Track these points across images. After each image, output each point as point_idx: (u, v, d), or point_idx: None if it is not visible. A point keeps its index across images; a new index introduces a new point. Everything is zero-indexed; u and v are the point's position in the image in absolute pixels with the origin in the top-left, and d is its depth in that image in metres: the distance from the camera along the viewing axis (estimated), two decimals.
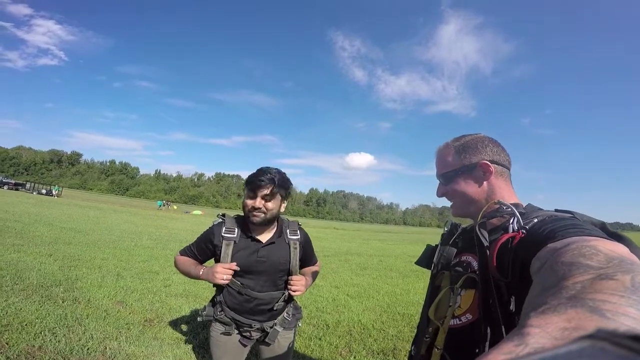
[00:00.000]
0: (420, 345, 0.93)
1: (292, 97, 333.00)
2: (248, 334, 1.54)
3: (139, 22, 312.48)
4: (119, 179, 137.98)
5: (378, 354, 3.08)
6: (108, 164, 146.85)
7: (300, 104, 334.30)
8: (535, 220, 0.73)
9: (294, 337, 1.69)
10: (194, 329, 3.14)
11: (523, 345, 0.28)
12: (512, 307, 0.72)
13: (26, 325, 2.65)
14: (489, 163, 0.89)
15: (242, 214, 1.56)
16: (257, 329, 1.53)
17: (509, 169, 0.93)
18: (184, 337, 2.93)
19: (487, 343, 0.73)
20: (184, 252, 1.61)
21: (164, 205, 46.47)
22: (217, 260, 1.50)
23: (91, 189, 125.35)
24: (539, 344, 0.28)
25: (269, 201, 1.45)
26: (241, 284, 1.48)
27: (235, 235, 1.49)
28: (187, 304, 3.92)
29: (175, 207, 47.04)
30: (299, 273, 1.61)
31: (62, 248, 6.17)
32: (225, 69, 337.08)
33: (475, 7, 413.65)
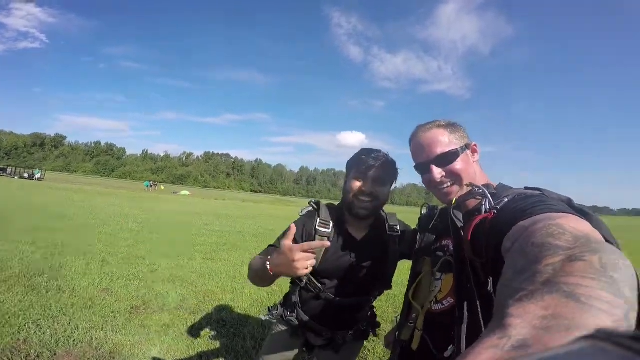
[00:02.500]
0: (403, 329, 0.95)
1: (286, 75, 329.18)
2: (315, 340, 1.33)
3: (122, 2, 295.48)
4: (105, 160, 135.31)
5: None
6: (93, 145, 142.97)
7: (294, 81, 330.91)
8: (506, 199, 0.74)
9: (361, 348, 1.54)
10: (182, 316, 3.20)
11: (506, 337, 0.29)
12: (489, 287, 0.72)
13: (9, 317, 2.64)
14: (476, 145, 0.91)
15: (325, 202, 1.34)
16: (327, 338, 1.32)
17: None
18: (171, 325, 2.98)
19: (464, 325, 0.73)
20: (264, 253, 1.22)
21: (150, 187, 45.83)
22: None
23: (75, 171, 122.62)
24: (521, 335, 0.29)
25: (381, 186, 1.21)
26: (322, 285, 1.26)
27: (329, 230, 1.24)
28: (173, 289, 3.96)
29: (162, 188, 46.51)
30: None
31: (45, 235, 6.07)
32: (217, 47, 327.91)
33: None
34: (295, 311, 1.31)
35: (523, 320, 0.31)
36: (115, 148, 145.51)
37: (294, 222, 1.20)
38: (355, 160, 1.23)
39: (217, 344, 2.69)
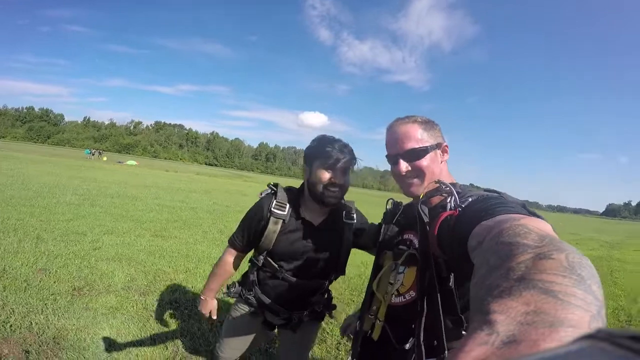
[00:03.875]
0: (365, 320, 0.97)
1: (252, 50, 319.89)
2: (272, 319, 1.41)
3: None
4: (39, 126, 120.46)
5: None
6: (25, 110, 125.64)
7: (259, 58, 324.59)
8: (470, 199, 0.77)
9: (318, 328, 1.62)
10: (130, 297, 3.11)
11: (495, 334, 0.30)
12: (451, 283, 0.74)
13: None
14: (447, 146, 0.94)
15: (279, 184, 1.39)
16: (285, 317, 1.39)
17: None
18: (119, 307, 2.89)
19: (423, 319, 0.75)
20: (233, 247, 1.41)
21: (92, 154, 41.97)
22: (258, 242, 1.32)
23: (4, 137, 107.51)
24: (509, 331, 0.29)
25: (347, 176, 1.28)
26: (278, 267, 1.33)
27: (285, 213, 1.28)
28: (120, 268, 3.80)
29: (104, 159, 42.35)
30: None
31: None
32: (178, 15, 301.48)
33: None
34: (253, 290, 1.37)
35: (507, 316, 0.31)
36: (52, 114, 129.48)
37: (252, 208, 1.35)
38: (321, 150, 1.25)
39: (171, 326, 2.69)
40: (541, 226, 0.51)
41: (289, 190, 1.37)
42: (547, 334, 0.28)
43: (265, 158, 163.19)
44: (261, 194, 1.35)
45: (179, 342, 2.46)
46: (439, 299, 0.72)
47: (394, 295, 0.92)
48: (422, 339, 0.74)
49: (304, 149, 1.34)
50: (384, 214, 1.12)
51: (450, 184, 0.85)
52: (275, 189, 1.34)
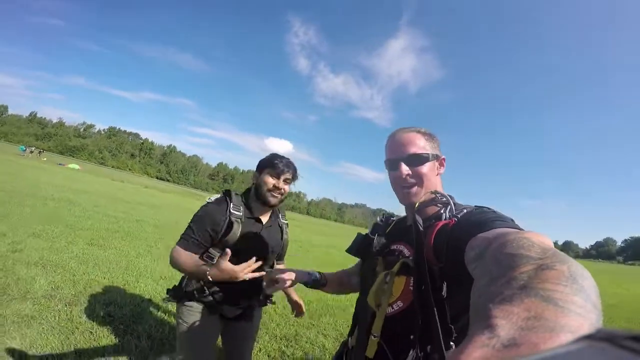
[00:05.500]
0: (358, 332, 0.93)
1: (226, 69, 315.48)
2: (228, 312, 1.50)
3: None
4: None
5: (281, 339, 3.10)
6: None
7: (233, 77, 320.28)
8: (465, 210, 0.79)
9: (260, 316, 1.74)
10: (52, 306, 2.67)
11: (495, 337, 0.30)
12: (444, 292, 0.75)
13: None
14: (444, 159, 0.95)
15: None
16: (240, 307, 1.53)
17: None
18: (37, 316, 2.45)
19: (421, 329, 0.75)
20: (186, 245, 1.39)
21: (30, 152, 37.76)
22: (220, 241, 1.41)
23: None
24: (510, 335, 0.30)
25: (287, 185, 1.52)
26: (237, 261, 1.36)
27: (241, 214, 1.47)
28: (43, 274, 3.31)
29: (44, 159, 37.98)
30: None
31: None
32: (157, 23, 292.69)
33: (428, 29, 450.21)
34: (206, 289, 1.45)
35: (508, 321, 0.32)
36: None
37: (204, 211, 1.43)
38: (271, 162, 1.50)
39: (103, 341, 2.32)
40: (545, 241, 0.52)
41: (238, 194, 1.56)
42: (547, 337, 0.29)
43: (222, 179, 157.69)
44: (211, 199, 1.50)
45: (111, 358, 2.11)
46: (435, 311, 0.72)
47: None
48: (421, 351, 0.74)
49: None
50: (374, 225, 1.11)
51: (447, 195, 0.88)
52: (228, 195, 1.51)
